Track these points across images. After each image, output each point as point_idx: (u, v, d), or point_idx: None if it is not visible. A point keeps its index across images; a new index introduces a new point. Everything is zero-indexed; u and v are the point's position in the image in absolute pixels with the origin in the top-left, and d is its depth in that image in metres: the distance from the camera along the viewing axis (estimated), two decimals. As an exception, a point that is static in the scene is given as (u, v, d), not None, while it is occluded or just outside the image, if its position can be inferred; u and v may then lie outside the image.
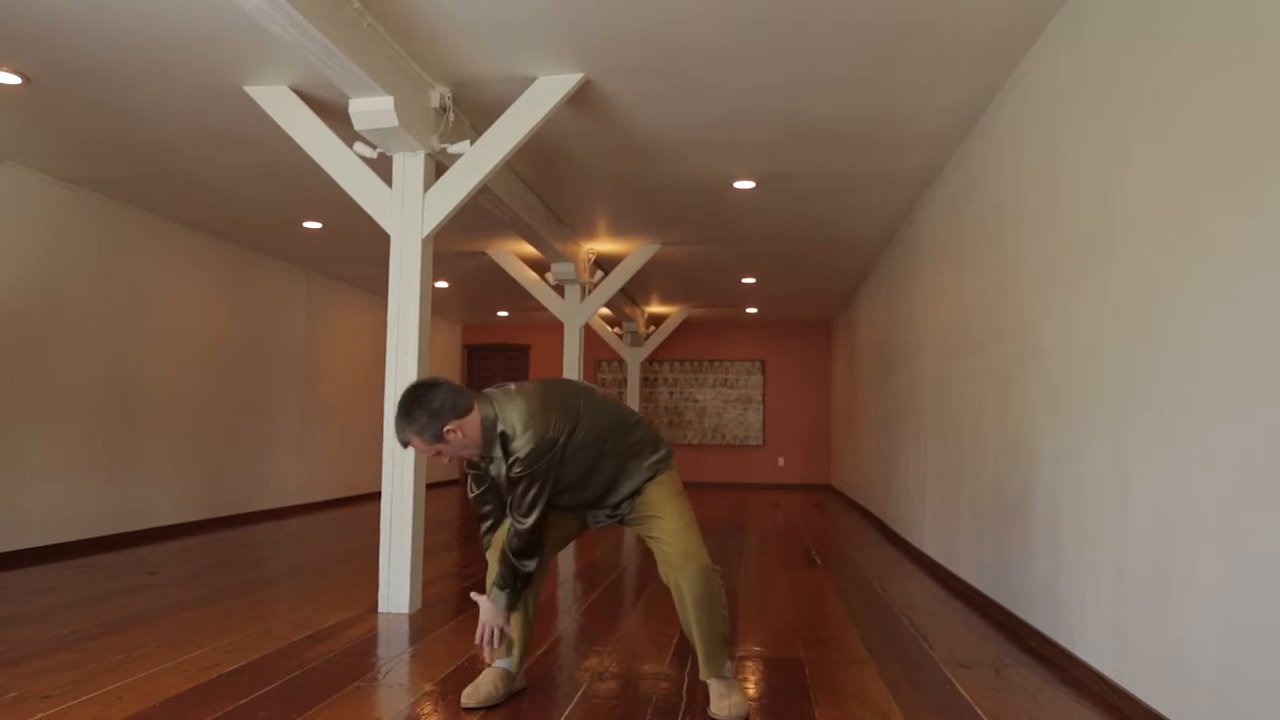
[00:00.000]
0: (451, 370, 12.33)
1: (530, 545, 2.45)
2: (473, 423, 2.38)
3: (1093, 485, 2.81)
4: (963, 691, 2.75)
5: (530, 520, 2.39)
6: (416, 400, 2.34)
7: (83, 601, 3.99)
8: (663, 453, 2.63)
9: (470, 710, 2.53)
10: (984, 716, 2.52)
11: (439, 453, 2.39)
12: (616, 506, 2.62)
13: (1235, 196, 2.03)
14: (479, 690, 2.57)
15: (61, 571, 4.83)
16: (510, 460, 2.38)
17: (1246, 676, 1.96)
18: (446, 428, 2.34)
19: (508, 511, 2.50)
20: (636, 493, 2.59)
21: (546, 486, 2.40)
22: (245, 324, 7.40)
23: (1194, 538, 2.19)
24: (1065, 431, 3.06)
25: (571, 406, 2.45)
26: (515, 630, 2.63)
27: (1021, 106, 3.59)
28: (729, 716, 2.43)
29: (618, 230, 6.68)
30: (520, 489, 2.39)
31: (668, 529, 2.54)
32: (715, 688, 2.51)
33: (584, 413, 2.47)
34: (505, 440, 2.39)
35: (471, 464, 2.56)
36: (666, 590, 4.33)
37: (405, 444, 2.39)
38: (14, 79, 3.82)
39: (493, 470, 2.50)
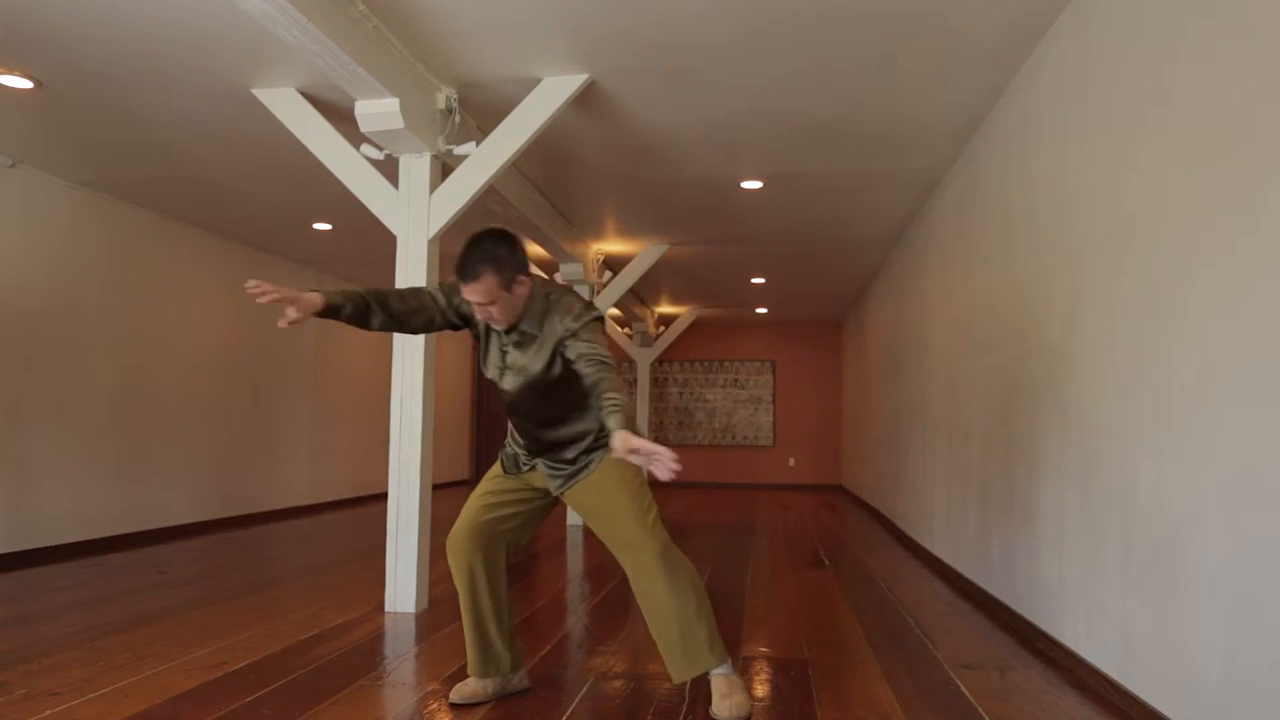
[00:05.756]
0: (462, 371, 12.36)
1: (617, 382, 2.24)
2: (528, 286, 2.37)
3: (1098, 486, 2.79)
4: (966, 693, 2.74)
5: (610, 362, 2.27)
6: (505, 240, 2.29)
7: (93, 600, 4.03)
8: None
9: (458, 706, 2.56)
10: (987, 718, 2.51)
11: (491, 303, 2.30)
12: (564, 458, 2.49)
13: (1241, 196, 2.02)
14: (465, 686, 2.60)
15: (73, 570, 4.87)
16: (568, 317, 2.33)
17: (1251, 678, 1.94)
18: (520, 277, 2.31)
19: (587, 371, 2.28)
20: (583, 458, 2.48)
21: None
22: (256, 325, 7.45)
23: (1199, 539, 2.17)
24: (1071, 432, 3.04)
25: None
26: (472, 647, 2.59)
27: (1028, 105, 3.58)
28: (730, 717, 2.42)
29: (626, 230, 6.69)
30: (589, 339, 2.31)
31: (607, 517, 2.45)
32: (717, 686, 2.47)
33: None
34: (550, 305, 2.37)
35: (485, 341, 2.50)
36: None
37: (474, 277, 2.25)
38: (26, 83, 3.85)
39: (518, 353, 2.41)
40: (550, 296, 2.42)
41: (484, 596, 2.58)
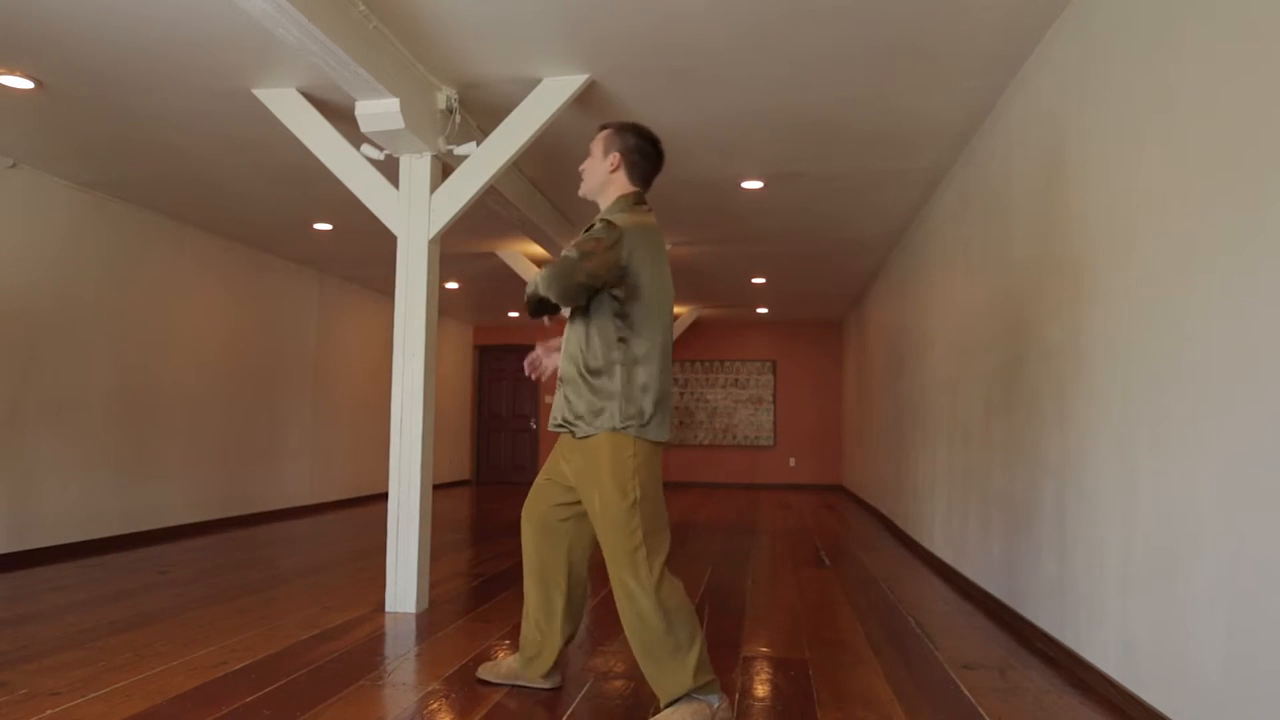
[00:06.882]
0: (463, 371, 12.36)
1: (570, 287, 2.27)
2: (619, 180, 2.48)
3: (1099, 486, 2.79)
4: (967, 693, 2.74)
5: (578, 269, 2.26)
6: (633, 128, 2.51)
7: (93, 600, 4.03)
8: (641, 410, 2.34)
9: (482, 682, 2.72)
10: (987, 718, 2.51)
11: (589, 155, 2.53)
12: (560, 398, 2.48)
13: (1244, 197, 2.01)
14: (499, 666, 2.71)
15: (74, 570, 4.87)
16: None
17: (1251, 678, 1.94)
18: (615, 151, 2.47)
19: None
20: (571, 413, 2.41)
21: (602, 255, 2.29)
22: (256, 325, 7.45)
23: (1199, 539, 2.17)
24: (1072, 432, 3.04)
25: (658, 249, 2.41)
26: (530, 635, 2.64)
27: (1029, 105, 3.58)
28: None
29: (626, 231, 6.67)
30: (586, 237, 2.32)
31: (599, 532, 2.40)
32: (681, 708, 2.28)
33: (654, 273, 2.39)
34: (610, 217, 2.42)
35: None
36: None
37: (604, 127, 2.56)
38: (27, 83, 3.86)
39: None
40: (621, 211, 2.44)
41: (536, 573, 2.60)
